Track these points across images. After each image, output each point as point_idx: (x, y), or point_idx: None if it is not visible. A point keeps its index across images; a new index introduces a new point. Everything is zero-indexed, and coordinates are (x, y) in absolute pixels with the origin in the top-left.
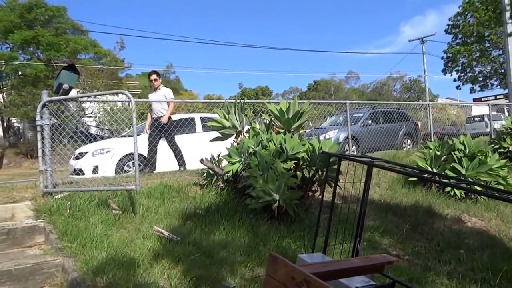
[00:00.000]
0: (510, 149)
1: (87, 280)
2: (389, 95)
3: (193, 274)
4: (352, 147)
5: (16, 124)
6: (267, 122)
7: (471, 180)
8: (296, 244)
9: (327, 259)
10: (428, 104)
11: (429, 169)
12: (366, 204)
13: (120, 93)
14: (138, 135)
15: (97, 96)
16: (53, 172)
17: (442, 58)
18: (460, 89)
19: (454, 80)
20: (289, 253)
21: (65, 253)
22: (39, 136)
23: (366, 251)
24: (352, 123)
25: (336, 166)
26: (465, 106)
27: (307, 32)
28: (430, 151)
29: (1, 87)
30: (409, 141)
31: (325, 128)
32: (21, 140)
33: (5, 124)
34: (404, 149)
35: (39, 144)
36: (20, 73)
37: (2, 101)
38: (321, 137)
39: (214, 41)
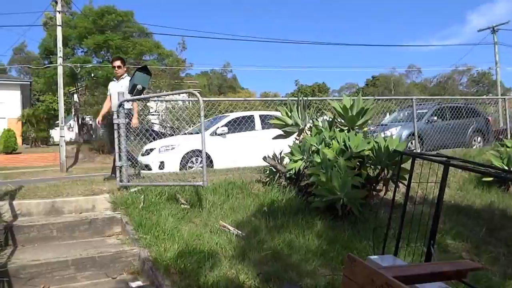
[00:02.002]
0: None
1: (162, 270)
2: (455, 90)
3: (259, 270)
4: (416, 145)
5: (89, 122)
6: (330, 119)
7: None
8: (362, 245)
9: (398, 262)
10: (504, 98)
11: (506, 168)
12: (441, 206)
13: (189, 92)
14: (197, 133)
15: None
16: (128, 167)
17: None
18: None
19: None
20: (355, 253)
21: (141, 243)
22: (116, 134)
23: (437, 255)
24: (416, 120)
25: (402, 165)
26: None
27: (364, 25)
28: (508, 149)
29: (77, 88)
30: (479, 138)
31: (386, 125)
32: (93, 137)
33: (79, 122)
34: (474, 147)
35: (116, 141)
36: (92, 75)
37: (77, 101)
38: (382, 134)
39: (271, 39)
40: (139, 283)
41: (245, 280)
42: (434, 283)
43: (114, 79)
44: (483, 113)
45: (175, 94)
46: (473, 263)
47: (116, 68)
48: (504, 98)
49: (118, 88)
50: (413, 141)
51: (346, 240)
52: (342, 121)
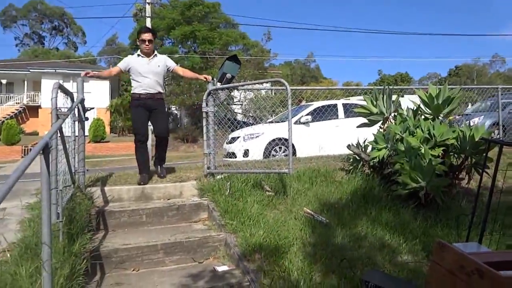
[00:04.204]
0: None
1: (247, 255)
2: None
3: (343, 256)
4: (497, 134)
5: (175, 112)
6: (415, 108)
7: None
8: (444, 232)
9: (483, 249)
10: None
11: None
12: None
13: (276, 81)
14: (283, 121)
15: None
16: (215, 155)
17: None
18: None
19: None
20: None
21: (227, 229)
22: (204, 122)
23: None
24: (501, 109)
25: (497, 156)
26: None
27: (448, 14)
28: None
29: (164, 78)
30: None
31: (469, 114)
32: (178, 126)
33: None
34: None
35: (204, 129)
36: (179, 65)
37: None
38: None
39: (354, 29)
40: (225, 267)
41: (328, 264)
42: None
43: (141, 55)
44: None
45: (263, 82)
46: None
47: (147, 43)
48: None
49: (154, 67)
50: (496, 131)
51: (428, 228)
52: (427, 109)
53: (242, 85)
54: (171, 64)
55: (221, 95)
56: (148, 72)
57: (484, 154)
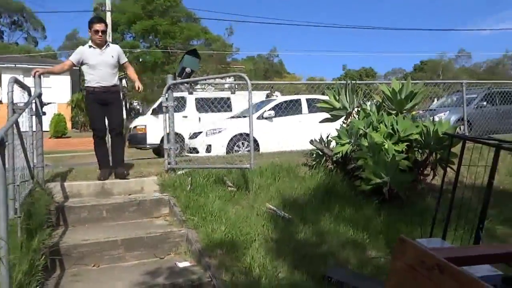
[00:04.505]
0: None
1: (209, 251)
2: (504, 75)
3: (305, 252)
4: (465, 130)
5: (137, 107)
6: (378, 103)
7: None
8: (408, 228)
9: (446, 245)
10: None
11: None
12: (491, 190)
13: (237, 75)
14: (246, 116)
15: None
16: (176, 150)
17: None
18: None
19: None
20: (416, 240)
21: (188, 225)
22: (164, 117)
23: (485, 241)
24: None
25: (460, 151)
26: None
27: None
28: None
29: (125, 73)
30: None
31: (434, 110)
32: None
33: (128, 107)
34: None
35: (164, 124)
36: (140, 60)
37: (125, 86)
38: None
39: (317, 24)
40: (187, 263)
41: (290, 260)
42: (482, 265)
43: (93, 46)
44: None
45: (223, 77)
46: None
47: (100, 33)
48: None
49: (108, 58)
50: (461, 126)
51: (392, 223)
52: (390, 104)
53: (202, 80)
54: (124, 59)
55: (183, 90)
56: (101, 63)
57: (448, 149)
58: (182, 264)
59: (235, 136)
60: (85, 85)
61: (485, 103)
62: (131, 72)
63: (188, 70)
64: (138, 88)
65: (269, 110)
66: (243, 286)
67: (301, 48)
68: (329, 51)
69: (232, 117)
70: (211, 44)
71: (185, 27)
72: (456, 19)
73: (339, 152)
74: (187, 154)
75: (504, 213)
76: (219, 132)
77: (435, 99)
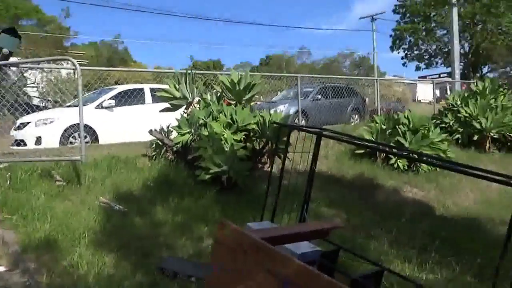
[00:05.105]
0: (451, 124)
1: (30, 252)
2: (339, 72)
3: (140, 244)
4: (301, 121)
5: None
6: (218, 93)
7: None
8: (244, 215)
9: (273, 226)
10: (376, 79)
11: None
12: (314, 173)
13: (64, 60)
14: (84, 105)
15: (40, 65)
16: None
17: (391, 35)
18: (406, 66)
19: (402, 58)
20: (238, 223)
21: (5, 225)
22: None
23: (311, 221)
24: (302, 98)
25: (286, 138)
26: (411, 83)
27: (261, 4)
28: (376, 124)
29: None
30: (357, 116)
31: (275, 102)
32: None
33: None
34: (352, 124)
35: None
36: None
37: None
38: (272, 111)
39: (165, 12)
40: (2, 268)
41: (123, 255)
42: (303, 243)
43: None
44: (360, 93)
45: (48, 60)
46: (334, 223)
47: None
48: (376, 79)
49: None
50: (299, 117)
51: (230, 211)
52: (230, 95)
53: (22, 63)
54: None
55: (11, 75)
56: None
57: (277, 138)
58: None
59: (71, 126)
60: None
61: (320, 96)
62: None
63: (5, 51)
64: None
65: (109, 99)
66: (67, 287)
67: (149, 36)
68: (177, 41)
69: (69, 105)
70: (45, 26)
71: (12, 4)
72: (299, 17)
73: (179, 142)
74: (12, 147)
75: (331, 195)
76: (51, 122)
77: (279, 92)
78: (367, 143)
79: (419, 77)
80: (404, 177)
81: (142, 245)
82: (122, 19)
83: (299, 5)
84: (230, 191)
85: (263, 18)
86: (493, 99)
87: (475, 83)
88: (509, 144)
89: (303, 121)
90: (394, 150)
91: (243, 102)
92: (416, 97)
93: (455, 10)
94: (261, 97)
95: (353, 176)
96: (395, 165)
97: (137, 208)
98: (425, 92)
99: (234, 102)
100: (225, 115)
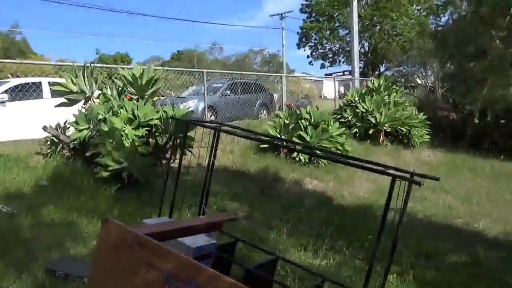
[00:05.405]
0: (350, 119)
1: None
2: (250, 68)
3: (29, 247)
4: (210, 116)
5: None
6: (120, 88)
7: (314, 146)
8: (143, 211)
9: (169, 221)
10: (281, 76)
11: (279, 136)
12: (213, 167)
13: None
14: None
15: None
16: None
17: (298, 33)
18: (312, 64)
19: (308, 57)
20: (139, 220)
21: None
22: None
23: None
24: (212, 93)
25: (183, 134)
26: (317, 80)
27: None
28: (280, 120)
29: None
30: (265, 111)
31: (184, 97)
32: None
33: None
34: (260, 119)
35: None
36: None
37: None
38: (181, 106)
39: (68, 2)
40: None
41: (9, 260)
42: (199, 235)
43: None
44: (269, 89)
45: None
46: (229, 215)
47: None
48: (281, 76)
49: None
50: (208, 113)
51: (131, 208)
52: (132, 90)
53: None
54: None
55: None
56: None
57: (181, 134)
58: None
59: None
60: None
61: (229, 92)
62: None
63: None
64: None
65: (1, 93)
66: None
67: (52, 27)
68: (84, 33)
69: None
70: None
71: None
72: (212, 13)
73: (76, 139)
74: None
75: (235, 189)
76: None
77: (189, 87)
78: (262, 137)
79: (325, 75)
80: (306, 169)
81: (32, 247)
82: (21, 8)
83: (212, 1)
84: (131, 188)
85: (177, 12)
86: (387, 96)
87: (372, 81)
88: (400, 137)
89: (212, 116)
90: (285, 144)
91: (146, 97)
92: (323, 93)
93: (355, 11)
94: (172, 92)
95: (257, 170)
96: (297, 159)
97: (26, 209)
98: (331, 89)
99: (136, 97)
100: (126, 110)
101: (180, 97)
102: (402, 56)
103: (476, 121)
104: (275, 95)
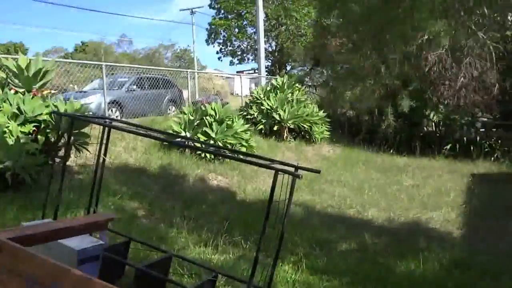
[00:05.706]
0: (255, 115)
1: None
2: (161, 63)
3: None
4: (115, 112)
5: None
6: (4, 80)
7: (219, 142)
8: (36, 214)
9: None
10: (194, 72)
11: (183, 133)
12: (104, 164)
13: None
14: None
15: None
16: None
17: (207, 29)
18: (221, 60)
19: (217, 53)
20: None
21: None
22: None
23: None
24: (117, 88)
25: (84, 130)
26: (229, 77)
27: None
28: (185, 116)
29: None
30: (173, 107)
31: (86, 92)
32: None
33: None
34: (168, 115)
35: None
36: None
37: None
38: (82, 101)
39: None
40: None
41: None
42: (85, 237)
43: None
44: (177, 85)
45: None
46: (109, 214)
47: None
48: (194, 72)
49: None
50: (113, 109)
51: (15, 211)
52: (18, 82)
53: None
54: None
55: None
56: None
57: (57, 127)
58: None
59: None
60: None
61: (135, 87)
62: None
63: None
64: None
65: None
66: None
67: None
68: None
69: None
70: None
71: None
72: (119, 5)
73: None
74: None
75: (136, 188)
76: None
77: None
78: (151, 134)
79: (237, 72)
80: (211, 166)
81: None
82: None
83: None
84: (17, 189)
85: (82, 1)
86: (290, 93)
87: (276, 79)
88: (302, 133)
89: (117, 112)
90: (173, 140)
91: (34, 90)
92: (234, 90)
93: (261, 9)
94: (76, 86)
95: (161, 167)
96: (203, 155)
97: None
98: (243, 85)
99: (22, 90)
100: (10, 104)
101: (82, 91)
102: (305, 56)
103: (366, 118)
104: (185, 92)
